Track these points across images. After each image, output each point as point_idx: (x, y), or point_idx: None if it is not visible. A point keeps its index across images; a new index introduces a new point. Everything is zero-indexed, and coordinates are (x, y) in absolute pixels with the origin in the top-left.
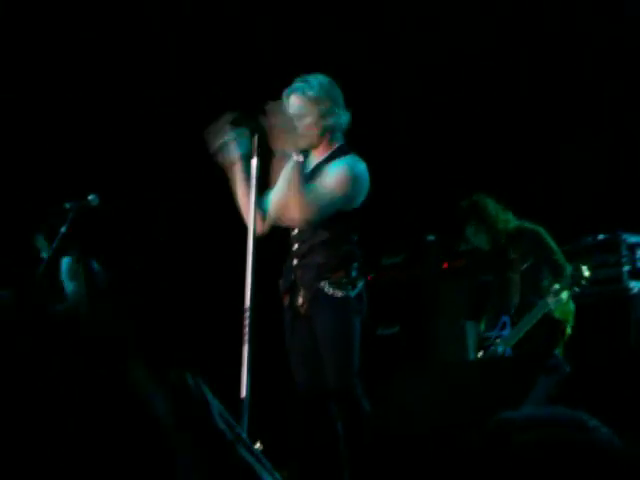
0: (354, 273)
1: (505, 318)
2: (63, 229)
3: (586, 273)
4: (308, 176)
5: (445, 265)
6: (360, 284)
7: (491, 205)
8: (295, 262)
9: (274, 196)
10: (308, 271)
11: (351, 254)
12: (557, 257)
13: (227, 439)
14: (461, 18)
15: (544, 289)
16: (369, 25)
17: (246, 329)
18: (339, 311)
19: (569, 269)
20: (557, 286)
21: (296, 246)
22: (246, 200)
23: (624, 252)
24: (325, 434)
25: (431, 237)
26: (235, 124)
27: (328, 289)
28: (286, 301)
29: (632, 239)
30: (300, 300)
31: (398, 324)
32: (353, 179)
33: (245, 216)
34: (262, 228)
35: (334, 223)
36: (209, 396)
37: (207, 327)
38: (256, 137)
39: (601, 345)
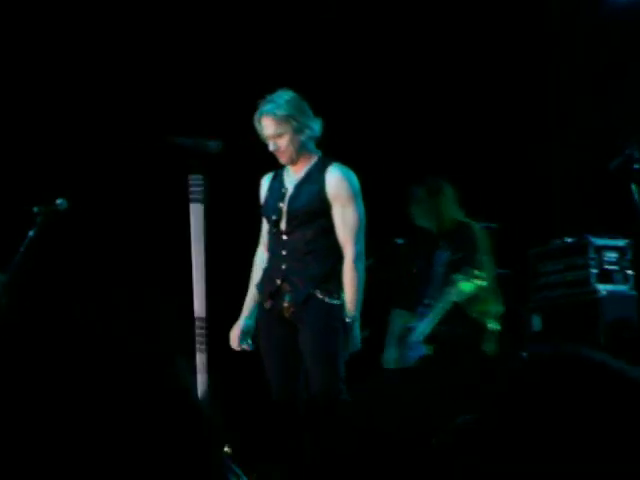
0: (341, 283)
1: (421, 309)
2: (31, 233)
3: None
4: (293, 194)
5: (414, 269)
6: (343, 294)
7: (449, 193)
8: (284, 266)
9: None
10: (301, 276)
11: (340, 264)
12: (477, 256)
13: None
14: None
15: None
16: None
17: (201, 338)
18: (330, 317)
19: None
20: (456, 277)
21: (284, 252)
22: None
23: (592, 255)
24: (293, 440)
25: (400, 240)
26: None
27: (320, 295)
28: (268, 304)
29: (600, 242)
30: (286, 304)
31: (368, 328)
32: (357, 192)
33: None
34: None
35: (329, 233)
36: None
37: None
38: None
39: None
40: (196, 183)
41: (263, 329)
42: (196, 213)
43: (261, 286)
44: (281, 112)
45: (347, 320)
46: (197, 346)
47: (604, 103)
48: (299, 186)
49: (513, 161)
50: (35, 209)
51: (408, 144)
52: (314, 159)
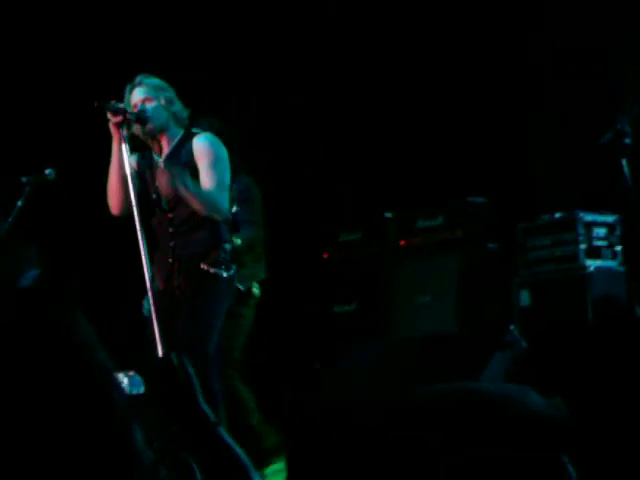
0: (224, 255)
1: None
2: (19, 203)
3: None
4: (166, 170)
5: (402, 242)
6: (233, 268)
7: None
8: (172, 244)
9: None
10: (188, 252)
11: (224, 236)
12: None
13: (211, 421)
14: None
15: None
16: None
17: (152, 307)
18: (209, 285)
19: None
20: None
21: (171, 229)
22: (115, 179)
23: (580, 230)
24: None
25: (388, 214)
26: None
27: (204, 266)
28: (162, 286)
29: (589, 217)
30: (177, 282)
31: (355, 301)
32: (219, 152)
33: (110, 193)
34: (123, 210)
35: None
36: (193, 377)
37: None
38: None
39: (558, 323)
40: None
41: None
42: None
43: (156, 269)
44: (154, 81)
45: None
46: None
47: (594, 75)
48: (169, 161)
49: (503, 135)
50: (24, 179)
51: (397, 119)
52: (179, 136)
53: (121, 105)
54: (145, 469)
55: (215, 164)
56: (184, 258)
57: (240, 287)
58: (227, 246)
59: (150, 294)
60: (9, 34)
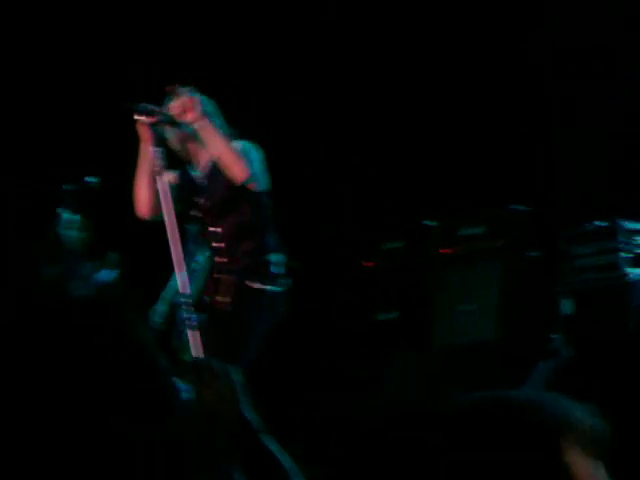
0: (274, 269)
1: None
2: (61, 210)
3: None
4: (208, 187)
5: (444, 251)
6: (281, 282)
7: None
8: (217, 259)
9: None
10: (233, 267)
11: (270, 249)
12: None
13: (253, 427)
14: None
15: None
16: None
17: (188, 315)
18: (251, 301)
19: None
20: None
21: (215, 244)
22: (143, 182)
23: (621, 239)
24: None
25: (431, 222)
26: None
27: (248, 282)
28: (207, 299)
29: (630, 226)
30: (219, 298)
31: (397, 310)
32: (253, 155)
33: (138, 196)
34: (150, 214)
35: (251, 218)
36: (237, 384)
37: None
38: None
39: (599, 332)
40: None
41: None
42: (163, 184)
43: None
44: (191, 94)
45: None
46: (187, 323)
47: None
48: (210, 176)
49: (546, 144)
50: (66, 187)
51: (437, 128)
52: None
53: (152, 107)
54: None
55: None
56: (229, 273)
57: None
58: (273, 258)
59: (184, 304)
60: (60, 43)
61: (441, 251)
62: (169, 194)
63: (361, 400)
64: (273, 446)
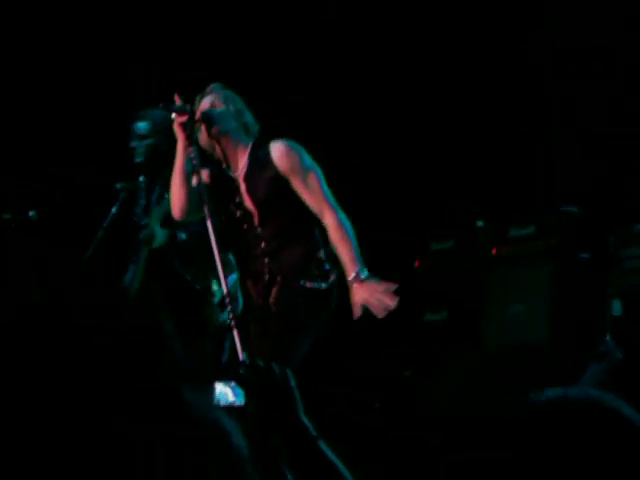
0: (326, 265)
1: None
2: (114, 210)
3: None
4: (248, 187)
5: (494, 251)
6: (333, 277)
7: None
8: (266, 260)
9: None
10: (284, 267)
11: (318, 245)
12: None
13: (311, 434)
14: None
15: None
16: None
17: (231, 315)
18: (304, 301)
19: None
20: None
21: (263, 244)
22: (178, 182)
23: None
24: None
25: (480, 223)
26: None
27: (301, 282)
28: (258, 299)
29: None
30: (273, 296)
31: (446, 310)
32: (303, 155)
33: (173, 196)
34: (184, 214)
35: (296, 216)
36: (294, 389)
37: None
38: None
39: None
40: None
41: (256, 324)
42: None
43: (251, 284)
44: (222, 92)
45: (362, 277)
46: (230, 323)
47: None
48: (247, 180)
49: (595, 145)
50: (118, 185)
51: (489, 128)
52: (249, 147)
53: (188, 105)
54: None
55: (310, 171)
56: (281, 274)
57: (196, 286)
58: (321, 253)
59: (229, 306)
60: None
61: (491, 252)
62: (206, 194)
63: (411, 401)
64: (329, 452)
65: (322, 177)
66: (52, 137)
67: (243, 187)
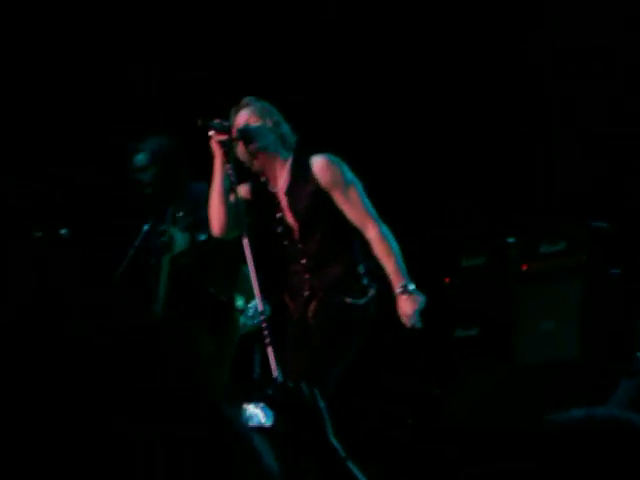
0: (364, 280)
1: None
2: (146, 227)
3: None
4: (290, 201)
5: (524, 267)
6: (372, 291)
7: None
8: (307, 276)
9: None
10: (324, 284)
11: (358, 260)
12: None
13: (340, 456)
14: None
15: None
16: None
17: (265, 332)
18: (343, 317)
19: None
20: None
21: (304, 261)
22: (216, 200)
23: None
24: None
25: (511, 239)
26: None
27: (340, 298)
28: (296, 315)
29: None
30: (311, 314)
31: (476, 326)
32: (344, 169)
33: (212, 214)
34: (224, 231)
35: (336, 230)
36: (324, 410)
37: None
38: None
39: None
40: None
41: (291, 340)
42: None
43: (289, 299)
44: (260, 103)
45: (410, 289)
46: (265, 340)
47: None
48: (289, 195)
49: (626, 159)
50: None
51: (519, 143)
52: (289, 161)
53: (226, 123)
54: None
55: (350, 186)
56: (322, 290)
57: (222, 297)
58: (360, 268)
59: (263, 322)
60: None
61: (521, 268)
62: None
63: (440, 416)
64: (359, 474)
65: (362, 191)
66: (77, 143)
67: (284, 202)
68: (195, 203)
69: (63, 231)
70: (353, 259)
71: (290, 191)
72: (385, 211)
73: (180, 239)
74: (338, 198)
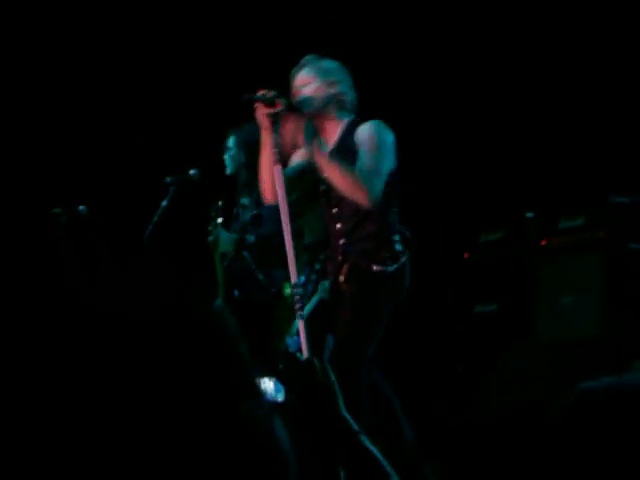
0: (397, 247)
1: None
2: (164, 203)
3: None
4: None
5: (543, 242)
6: (403, 258)
7: None
8: (342, 241)
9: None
10: (356, 249)
11: (393, 227)
12: None
13: (353, 429)
14: None
15: None
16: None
17: (298, 304)
18: (372, 285)
19: None
20: None
21: (339, 225)
22: (265, 168)
23: None
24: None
25: (530, 214)
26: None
27: (369, 264)
28: (333, 281)
29: None
30: (342, 278)
31: (496, 302)
32: (382, 138)
33: (261, 181)
34: (275, 197)
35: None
36: (335, 383)
37: None
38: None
39: None
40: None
41: (329, 306)
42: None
43: (328, 264)
44: (318, 63)
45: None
46: (297, 312)
47: None
48: (335, 152)
49: None
50: (168, 179)
51: (541, 119)
52: (345, 122)
53: (270, 93)
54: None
55: (374, 149)
56: (352, 256)
57: (271, 290)
58: (396, 237)
59: (295, 294)
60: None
61: (540, 243)
62: (283, 184)
63: (463, 395)
64: (372, 448)
65: (386, 156)
66: (99, 133)
67: None
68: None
69: (81, 208)
70: (386, 226)
71: (334, 152)
72: (404, 188)
73: (225, 239)
74: (359, 153)
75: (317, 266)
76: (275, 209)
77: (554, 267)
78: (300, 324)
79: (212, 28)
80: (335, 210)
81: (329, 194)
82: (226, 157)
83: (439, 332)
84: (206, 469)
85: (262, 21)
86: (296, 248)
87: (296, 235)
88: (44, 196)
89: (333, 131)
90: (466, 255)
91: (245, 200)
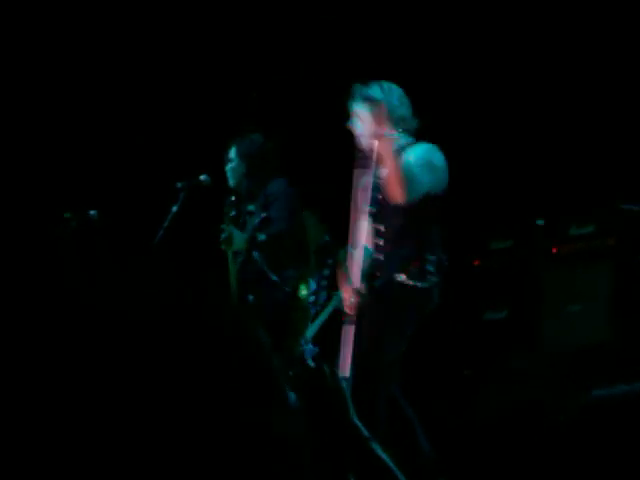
0: (429, 267)
1: None
2: (174, 209)
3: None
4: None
5: (554, 250)
6: (432, 280)
7: None
8: (380, 256)
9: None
10: (388, 265)
11: (430, 247)
12: None
13: (363, 435)
14: None
15: None
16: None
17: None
18: (399, 298)
19: None
20: None
21: (381, 242)
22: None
23: None
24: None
25: (540, 221)
26: None
27: (399, 278)
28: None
29: None
30: (373, 291)
31: (505, 309)
32: (430, 163)
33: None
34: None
35: (413, 220)
36: (344, 390)
37: None
38: None
39: None
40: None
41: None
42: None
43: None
44: (363, 92)
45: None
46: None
47: None
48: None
49: None
50: (178, 184)
51: (549, 126)
52: (399, 142)
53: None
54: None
55: (398, 172)
56: (385, 271)
57: (286, 289)
58: (430, 257)
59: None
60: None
61: (551, 250)
62: (365, 188)
63: (472, 401)
64: (382, 453)
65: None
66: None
67: (382, 183)
68: (272, 199)
69: (92, 212)
70: (423, 246)
71: (384, 173)
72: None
73: (238, 238)
74: None
75: (326, 272)
76: (282, 210)
77: (564, 275)
78: (345, 329)
79: (225, 37)
80: (377, 227)
81: (378, 214)
82: (228, 169)
83: (448, 338)
84: (207, 469)
85: (276, 31)
86: (303, 254)
87: (301, 240)
88: (56, 200)
89: (388, 151)
90: (476, 262)
91: (251, 207)
